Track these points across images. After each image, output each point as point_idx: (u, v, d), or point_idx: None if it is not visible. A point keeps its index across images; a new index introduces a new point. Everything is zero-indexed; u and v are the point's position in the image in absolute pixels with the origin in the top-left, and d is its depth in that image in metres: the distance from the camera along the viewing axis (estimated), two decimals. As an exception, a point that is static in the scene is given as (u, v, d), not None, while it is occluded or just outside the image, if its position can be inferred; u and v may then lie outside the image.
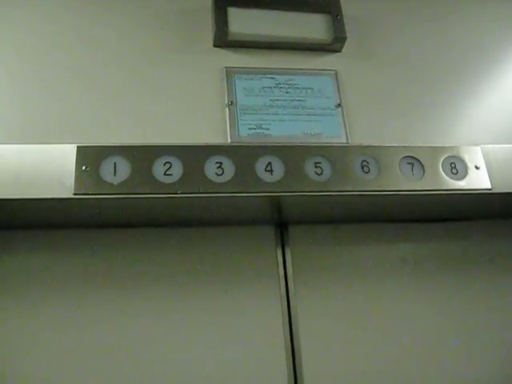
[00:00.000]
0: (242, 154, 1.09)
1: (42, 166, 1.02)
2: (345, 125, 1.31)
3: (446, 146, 1.20)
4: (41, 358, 1.06)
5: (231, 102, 1.28)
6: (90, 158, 1.03)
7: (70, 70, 1.27)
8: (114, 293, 1.13)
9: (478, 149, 1.21)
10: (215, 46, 1.36)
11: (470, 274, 1.29)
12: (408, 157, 1.16)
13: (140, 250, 1.17)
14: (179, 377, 1.09)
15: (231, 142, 1.23)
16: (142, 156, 1.05)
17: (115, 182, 1.02)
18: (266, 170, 1.08)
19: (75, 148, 1.04)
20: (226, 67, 1.33)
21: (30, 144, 1.04)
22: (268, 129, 1.27)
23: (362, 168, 1.13)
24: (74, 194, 1.00)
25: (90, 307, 1.11)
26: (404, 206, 1.23)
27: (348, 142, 1.28)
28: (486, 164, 1.19)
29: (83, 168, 1.02)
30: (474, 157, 1.19)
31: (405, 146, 1.17)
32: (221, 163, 1.07)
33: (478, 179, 1.17)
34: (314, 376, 1.13)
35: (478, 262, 1.31)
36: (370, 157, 1.14)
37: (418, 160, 1.16)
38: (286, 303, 1.18)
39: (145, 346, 1.10)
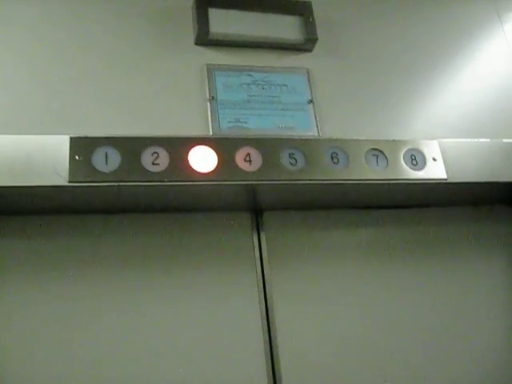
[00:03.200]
0: (224, 146, 1.17)
1: (37, 155, 1.07)
2: (316, 119, 1.39)
3: (407, 139, 1.29)
4: (34, 343, 1.11)
5: (212, 97, 1.35)
6: (82, 148, 1.09)
7: (62, 65, 1.31)
8: (105, 273, 1.19)
9: (435, 142, 1.31)
10: (196, 44, 1.42)
11: (429, 256, 1.40)
12: (373, 149, 1.25)
13: (127, 234, 1.23)
14: (159, 357, 1.16)
15: (213, 135, 1.30)
16: (131, 146, 1.11)
17: (107, 171, 1.08)
18: (245, 161, 1.16)
19: (68, 139, 1.09)
20: (206, 64, 1.39)
21: (25, 135, 1.09)
22: (246, 122, 1.34)
23: (332, 159, 1.22)
24: (69, 182, 1.05)
25: (79, 288, 1.16)
26: (370, 194, 1.33)
27: (319, 135, 1.37)
28: (443, 156, 1.29)
29: (76, 158, 1.08)
30: (432, 150, 1.29)
31: (370, 140, 1.27)
32: (204, 154, 1.15)
33: (435, 170, 1.27)
34: (290, 351, 1.22)
35: (435, 245, 1.42)
36: (339, 149, 1.23)
37: (382, 152, 1.26)
38: (261, 283, 1.27)
39: (129, 320, 1.17)
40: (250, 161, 1.17)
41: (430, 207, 1.44)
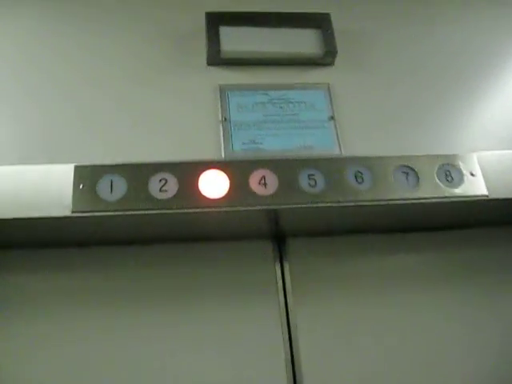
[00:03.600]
0: (236, 169, 1.10)
1: (41, 185, 1.04)
2: (338, 137, 1.31)
3: (441, 154, 1.19)
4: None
5: (225, 119, 1.30)
6: (87, 176, 1.05)
7: (67, 92, 1.30)
8: (113, 309, 1.14)
9: (473, 156, 1.20)
10: (209, 64, 1.39)
11: (469, 283, 1.28)
12: (402, 166, 1.16)
13: (137, 267, 1.18)
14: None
15: (225, 158, 1.24)
16: (137, 173, 1.07)
17: (112, 200, 1.04)
18: (259, 184, 1.09)
19: (73, 168, 1.06)
20: (219, 85, 1.35)
21: (29, 165, 1.07)
22: (261, 143, 1.28)
23: (356, 178, 1.13)
24: (72, 212, 1.02)
25: (88, 324, 1.11)
26: (400, 216, 1.22)
27: (341, 154, 1.28)
28: (482, 171, 1.18)
29: (80, 186, 1.04)
30: (469, 164, 1.19)
31: (398, 156, 1.17)
32: (215, 178, 1.08)
33: (474, 186, 1.16)
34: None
35: (478, 270, 1.29)
36: (364, 167, 1.14)
37: (413, 169, 1.16)
38: (285, 317, 1.18)
39: (144, 359, 1.10)
40: (264, 184, 1.09)
41: (471, 228, 1.32)
